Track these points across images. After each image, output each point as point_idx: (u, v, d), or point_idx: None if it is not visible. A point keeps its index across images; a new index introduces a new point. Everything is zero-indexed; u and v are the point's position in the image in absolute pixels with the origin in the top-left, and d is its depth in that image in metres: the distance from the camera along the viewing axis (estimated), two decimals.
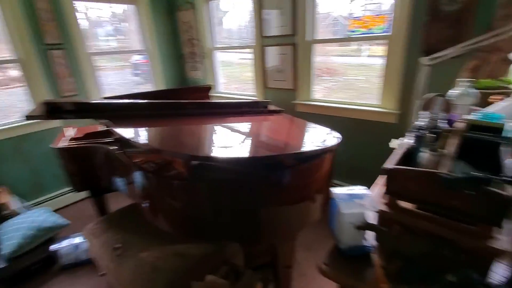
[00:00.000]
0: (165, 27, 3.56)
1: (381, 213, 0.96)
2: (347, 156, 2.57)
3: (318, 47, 2.60)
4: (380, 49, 2.23)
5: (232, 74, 4.11)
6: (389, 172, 0.86)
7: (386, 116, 2.27)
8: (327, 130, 1.58)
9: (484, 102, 1.41)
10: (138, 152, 1.66)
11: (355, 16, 2.40)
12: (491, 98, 1.36)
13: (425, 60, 1.56)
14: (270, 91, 3.03)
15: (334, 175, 1.67)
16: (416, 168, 0.80)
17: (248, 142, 1.47)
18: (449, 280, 0.78)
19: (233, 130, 1.66)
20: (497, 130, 0.95)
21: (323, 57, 2.87)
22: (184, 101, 1.96)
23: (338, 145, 1.37)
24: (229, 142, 1.46)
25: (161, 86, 3.61)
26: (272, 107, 2.11)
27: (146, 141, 1.45)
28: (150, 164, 1.58)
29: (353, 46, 3.66)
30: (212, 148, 1.46)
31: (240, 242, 1.56)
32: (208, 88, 2.59)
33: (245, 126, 1.79)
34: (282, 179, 1.27)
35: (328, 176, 1.45)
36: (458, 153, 0.90)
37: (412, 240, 0.86)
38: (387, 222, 0.98)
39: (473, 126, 1.00)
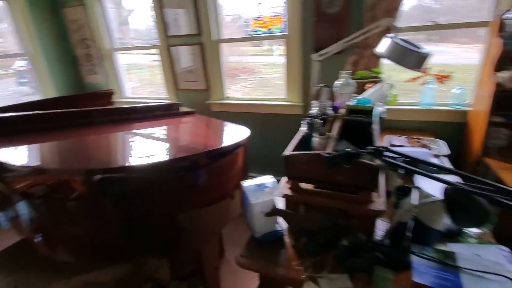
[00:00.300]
0: (48, 26, 3.04)
1: (286, 197, 1.04)
2: (262, 149, 2.70)
3: (233, 48, 2.66)
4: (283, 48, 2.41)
5: (144, 77, 3.83)
6: (286, 159, 0.93)
7: (293, 108, 2.47)
8: (237, 126, 1.62)
9: (361, 90, 1.68)
10: (21, 176, 1.38)
11: (255, 16, 2.54)
12: (366, 86, 1.62)
13: (315, 56, 1.76)
14: (182, 93, 2.93)
15: (250, 169, 1.73)
16: (306, 152, 0.89)
17: (158, 146, 1.39)
18: (343, 245, 0.90)
19: (141, 135, 1.54)
20: (369, 112, 1.14)
21: (239, 57, 2.94)
22: (82, 110, 1.72)
23: (248, 139, 1.41)
24: (137, 148, 1.35)
25: (53, 95, 3.09)
26: (184, 109, 2.05)
27: (27, 162, 1.21)
28: (37, 188, 1.33)
29: (266, 46, 3.87)
30: (116, 157, 1.33)
31: (160, 255, 1.47)
32: (109, 94, 2.34)
33: (153, 130, 1.68)
34: (197, 180, 1.24)
35: (243, 171, 1.49)
36: (340, 134, 1.04)
37: (314, 216, 0.96)
38: (293, 204, 1.06)
39: (351, 110, 1.17)
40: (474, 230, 1.00)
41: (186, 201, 1.23)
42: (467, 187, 0.71)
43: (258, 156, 2.72)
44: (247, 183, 1.03)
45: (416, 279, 0.75)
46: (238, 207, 1.48)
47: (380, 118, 1.27)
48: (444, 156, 1.61)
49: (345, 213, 1.02)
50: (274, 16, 2.42)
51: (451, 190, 0.74)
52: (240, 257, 0.95)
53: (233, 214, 1.46)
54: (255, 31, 2.53)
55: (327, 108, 1.22)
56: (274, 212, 0.95)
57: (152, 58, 3.50)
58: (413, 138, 1.86)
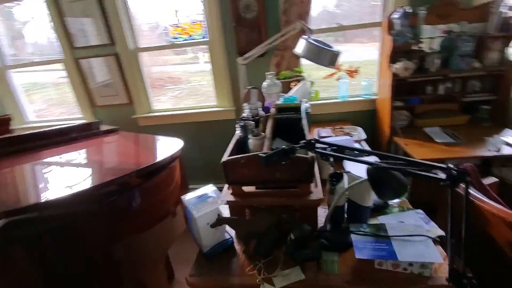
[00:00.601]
0: None
1: (230, 204, 1.01)
2: (200, 158, 2.63)
3: (154, 57, 2.50)
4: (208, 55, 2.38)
5: (51, 96, 3.30)
6: (225, 165, 0.91)
7: (225, 113, 2.47)
8: (169, 138, 1.52)
9: (287, 89, 1.77)
10: None
11: (174, 23, 2.45)
12: (291, 85, 1.72)
13: (240, 60, 1.78)
14: (101, 110, 2.64)
15: (190, 181, 1.66)
16: (242, 155, 0.88)
17: (79, 172, 1.20)
18: (291, 239, 0.92)
19: (55, 164, 1.31)
20: (297, 108, 1.20)
21: (162, 67, 2.78)
22: None
23: (181, 151, 1.34)
24: (52, 179, 1.14)
25: None
26: (105, 127, 1.83)
27: None
28: None
29: (190, 54, 3.77)
30: (24, 194, 1.10)
31: None
32: (5, 120, 1.94)
33: (71, 156, 1.46)
34: (130, 203, 1.12)
35: (181, 185, 1.41)
36: (274, 133, 1.06)
37: (259, 217, 0.96)
38: (238, 210, 1.05)
39: (281, 109, 1.22)
40: (395, 201, 1.15)
41: (121, 229, 1.10)
42: (384, 164, 0.80)
43: (197, 166, 2.63)
44: (187, 197, 0.97)
45: (358, 255, 0.82)
46: (182, 224, 1.39)
47: (307, 113, 1.36)
48: (363, 140, 1.82)
49: (289, 208, 1.05)
50: (193, 22, 2.38)
51: (372, 169, 0.82)
52: (190, 277, 0.89)
53: (177, 232, 1.36)
54: (176, 39, 2.45)
55: (258, 109, 1.25)
56: (220, 221, 0.92)
57: (59, 75, 3.05)
58: (336, 128, 2.05)
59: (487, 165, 2.00)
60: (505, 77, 1.92)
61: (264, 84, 1.53)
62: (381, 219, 1.03)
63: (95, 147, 1.60)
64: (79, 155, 1.48)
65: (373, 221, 1.02)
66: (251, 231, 0.92)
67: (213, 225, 0.93)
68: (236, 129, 1.16)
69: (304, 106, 1.32)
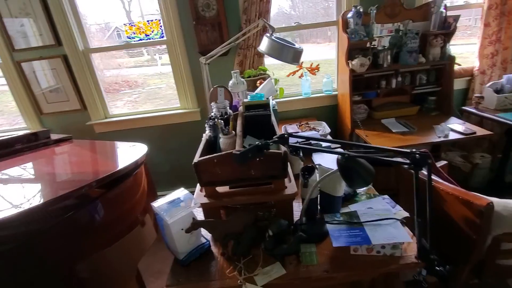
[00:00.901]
0: None
1: (205, 206, 0.98)
2: (168, 162, 2.53)
3: (108, 60, 2.32)
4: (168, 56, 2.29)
5: None
6: (196, 166, 0.87)
7: (190, 115, 2.40)
8: (131, 144, 1.43)
9: (253, 87, 1.77)
10: None
11: (129, 22, 2.31)
12: (258, 83, 1.72)
13: (203, 60, 1.74)
14: (50, 118, 2.40)
15: (158, 188, 1.58)
16: (215, 155, 0.85)
17: (27, 189, 1.07)
18: (269, 235, 0.92)
19: None
20: (266, 105, 1.20)
21: (117, 70, 2.61)
22: None
23: (146, 156, 1.27)
24: None
25: None
26: (55, 137, 1.66)
27: None
28: None
29: (146, 56, 3.59)
30: None
31: None
32: None
33: (16, 171, 1.30)
34: (92, 216, 1.02)
35: (149, 192, 1.33)
36: (244, 131, 1.05)
37: (235, 217, 0.94)
38: (213, 211, 1.02)
39: (249, 106, 1.21)
40: (363, 189, 1.21)
41: (85, 245, 1.00)
42: (354, 153, 0.84)
43: (164, 171, 2.52)
44: (158, 203, 0.91)
45: (335, 244, 0.84)
46: (152, 233, 1.31)
47: (274, 110, 1.37)
48: (328, 134, 1.90)
49: (265, 205, 1.05)
50: (150, 21, 2.27)
51: (341, 160, 0.85)
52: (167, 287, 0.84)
53: (147, 243, 1.28)
54: (130, 38, 2.31)
55: (226, 107, 1.23)
56: (195, 225, 0.88)
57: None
58: (302, 124, 2.10)
59: (436, 150, 2.20)
60: (446, 70, 2.13)
61: (230, 82, 1.51)
62: (352, 207, 1.07)
63: (45, 158, 1.44)
64: (27, 168, 1.32)
65: (345, 210, 1.06)
66: (228, 232, 0.90)
67: (188, 230, 0.89)
68: (206, 129, 1.13)
69: (272, 103, 1.33)
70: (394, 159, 0.78)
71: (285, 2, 2.49)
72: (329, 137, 1.82)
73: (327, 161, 1.27)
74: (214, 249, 0.98)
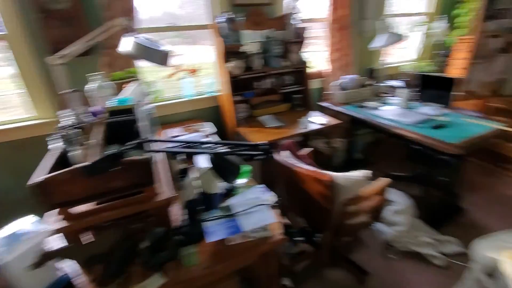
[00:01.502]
0: None
1: (62, 230, 0.83)
2: (16, 187, 2.01)
3: None
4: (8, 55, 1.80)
5: None
6: (41, 187, 0.73)
7: (46, 127, 1.98)
8: None
9: (120, 91, 1.62)
10: None
11: None
12: (123, 86, 1.58)
13: (53, 59, 1.46)
14: None
15: (8, 219, 1.24)
16: (61, 171, 0.74)
17: None
18: (146, 246, 0.87)
19: None
20: (130, 110, 1.12)
21: None
22: None
23: None
24: None
25: None
26: None
27: None
28: None
29: None
30: None
31: None
32: None
33: None
34: None
35: None
36: (107, 139, 0.95)
37: (101, 236, 0.84)
38: (75, 235, 0.88)
39: (114, 112, 1.10)
40: (243, 181, 1.30)
41: None
42: (217, 150, 0.88)
43: (11, 198, 1.99)
44: None
45: (208, 239, 0.87)
46: None
47: (150, 115, 1.30)
48: (214, 134, 1.95)
49: (140, 215, 0.98)
50: None
51: (212, 158, 0.89)
52: None
53: None
54: None
55: (82, 115, 1.07)
56: (46, 257, 0.74)
57: None
58: (187, 126, 2.08)
59: (306, 139, 2.60)
60: (304, 73, 2.54)
61: (91, 86, 1.33)
62: (230, 201, 1.14)
63: None
64: None
65: (223, 205, 1.11)
66: (92, 255, 0.80)
67: (38, 265, 0.74)
68: (54, 142, 0.95)
69: (145, 107, 1.25)
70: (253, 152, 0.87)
71: (174, 1, 2.40)
72: (216, 137, 1.87)
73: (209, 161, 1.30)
74: (79, 279, 0.85)
